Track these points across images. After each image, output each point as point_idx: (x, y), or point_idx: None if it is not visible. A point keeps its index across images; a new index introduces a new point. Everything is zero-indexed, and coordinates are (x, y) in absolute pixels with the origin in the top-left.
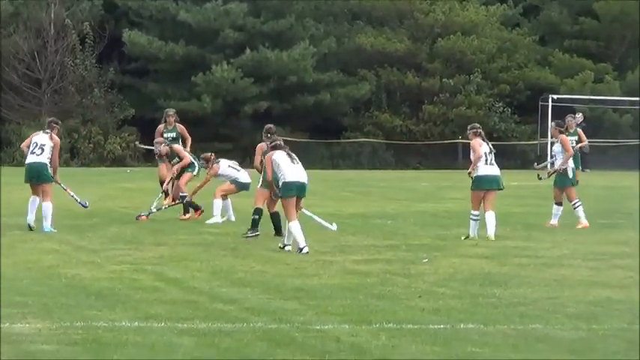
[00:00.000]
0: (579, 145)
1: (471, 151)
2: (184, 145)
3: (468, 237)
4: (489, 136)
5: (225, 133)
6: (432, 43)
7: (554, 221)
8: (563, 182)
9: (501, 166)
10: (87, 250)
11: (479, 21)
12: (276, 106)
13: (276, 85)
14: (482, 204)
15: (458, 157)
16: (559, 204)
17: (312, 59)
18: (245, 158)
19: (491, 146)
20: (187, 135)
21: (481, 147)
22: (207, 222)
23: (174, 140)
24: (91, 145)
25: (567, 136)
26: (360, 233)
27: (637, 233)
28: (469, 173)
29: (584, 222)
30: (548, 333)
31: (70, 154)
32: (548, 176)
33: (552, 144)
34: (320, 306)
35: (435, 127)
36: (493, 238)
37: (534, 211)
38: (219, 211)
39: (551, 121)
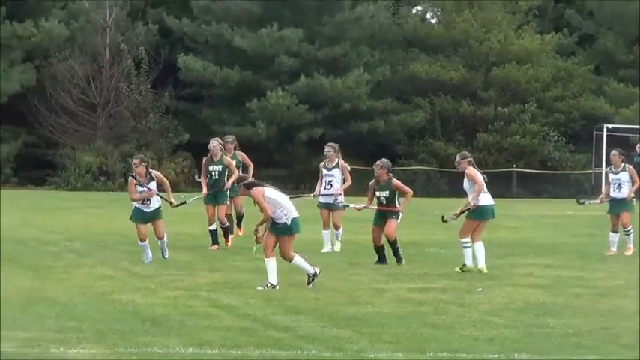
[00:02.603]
0: None
1: (467, 181)
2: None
3: (464, 267)
4: (544, 165)
5: (279, 159)
6: (486, 71)
7: (613, 249)
8: (624, 208)
9: (555, 196)
10: (141, 276)
11: (534, 50)
12: (330, 132)
13: (330, 112)
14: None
15: (512, 186)
16: (616, 231)
17: (366, 86)
18: (299, 185)
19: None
20: (249, 161)
21: (477, 176)
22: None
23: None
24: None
25: None
26: (414, 261)
27: None
28: (471, 206)
29: (630, 246)
30: None
31: (125, 178)
32: (601, 203)
33: (612, 172)
34: (374, 334)
35: (489, 155)
36: (486, 270)
37: (588, 241)
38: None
39: (614, 150)
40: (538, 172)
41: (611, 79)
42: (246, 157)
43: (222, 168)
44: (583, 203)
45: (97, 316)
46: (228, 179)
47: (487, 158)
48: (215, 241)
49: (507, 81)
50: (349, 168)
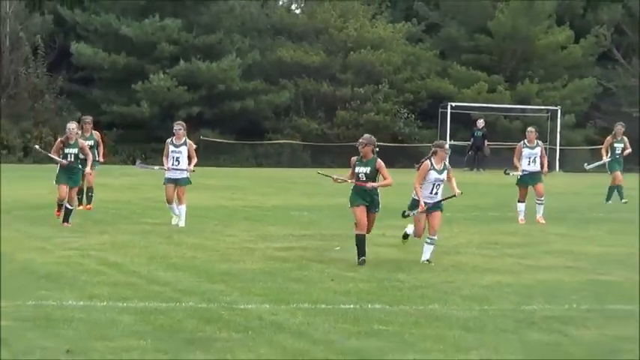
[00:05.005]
0: (626, 152)
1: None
2: (99, 151)
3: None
4: (395, 139)
5: (161, 134)
6: (344, 56)
7: (522, 217)
8: (539, 179)
9: (405, 166)
10: (38, 238)
11: (386, 37)
12: (206, 111)
13: (206, 93)
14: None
15: None
16: (523, 201)
17: (238, 70)
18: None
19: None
20: (101, 141)
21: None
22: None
23: (92, 148)
24: (42, 145)
25: (614, 142)
26: (280, 224)
27: (524, 225)
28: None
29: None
30: (446, 312)
31: (24, 152)
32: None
33: (528, 147)
34: (244, 288)
35: (347, 130)
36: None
37: None
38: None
39: (531, 127)
40: (390, 145)
41: (455, 63)
42: (100, 136)
43: (77, 151)
44: (508, 174)
45: None
46: (81, 160)
47: (345, 132)
48: (66, 219)
49: (363, 64)
50: (195, 146)
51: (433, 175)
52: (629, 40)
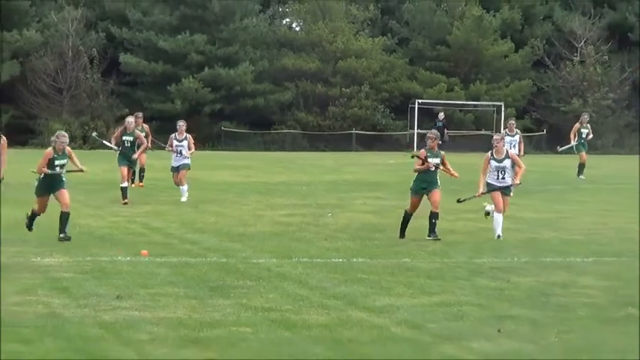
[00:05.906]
0: (590, 137)
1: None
2: (149, 140)
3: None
4: (374, 128)
5: (190, 125)
6: (335, 63)
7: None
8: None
9: (382, 149)
10: (94, 207)
11: (367, 48)
12: (226, 107)
13: (226, 93)
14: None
15: (352, 143)
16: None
17: (251, 75)
18: (205, 143)
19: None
20: (149, 132)
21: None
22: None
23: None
24: (99, 134)
25: (581, 128)
26: (284, 196)
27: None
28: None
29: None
30: (414, 264)
31: (83, 141)
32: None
33: (509, 135)
34: (256, 246)
35: (336, 122)
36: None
37: (406, 180)
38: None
39: (511, 119)
40: (370, 133)
41: (421, 69)
42: (149, 128)
43: (133, 139)
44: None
45: None
46: (137, 147)
47: (335, 124)
48: (125, 196)
49: (349, 70)
50: (193, 140)
51: (493, 163)
52: (557, 50)
